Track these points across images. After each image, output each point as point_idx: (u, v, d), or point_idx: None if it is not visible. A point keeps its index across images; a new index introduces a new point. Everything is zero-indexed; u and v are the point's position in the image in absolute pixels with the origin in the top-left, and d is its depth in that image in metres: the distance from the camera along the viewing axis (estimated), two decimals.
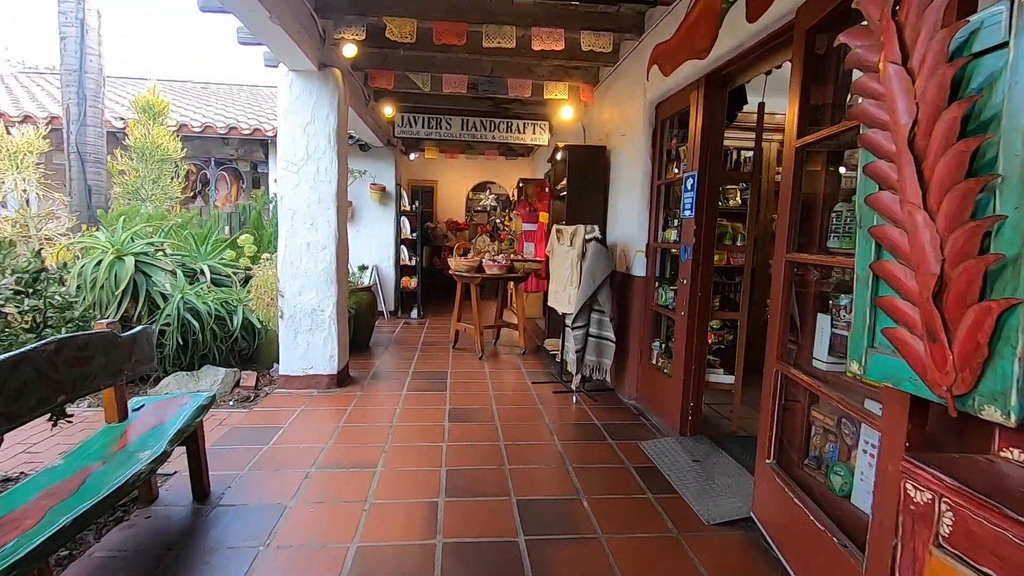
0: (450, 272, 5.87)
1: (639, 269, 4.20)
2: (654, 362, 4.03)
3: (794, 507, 2.16)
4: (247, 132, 7.25)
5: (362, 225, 7.99)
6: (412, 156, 9.70)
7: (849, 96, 2.18)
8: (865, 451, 1.96)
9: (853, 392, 2.03)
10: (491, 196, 11.50)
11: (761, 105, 3.45)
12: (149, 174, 5.75)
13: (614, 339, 4.20)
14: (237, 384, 4.28)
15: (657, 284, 4.01)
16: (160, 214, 5.17)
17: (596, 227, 4.17)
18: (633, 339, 4.30)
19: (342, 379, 4.51)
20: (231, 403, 4.03)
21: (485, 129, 6.75)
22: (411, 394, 4.34)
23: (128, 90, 9.14)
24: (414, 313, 8.09)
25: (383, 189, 7.85)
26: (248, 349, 4.60)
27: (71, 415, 2.54)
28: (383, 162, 7.94)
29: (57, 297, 2.76)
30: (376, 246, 8.04)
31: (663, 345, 3.95)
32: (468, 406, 4.07)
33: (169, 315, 3.91)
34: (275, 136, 5.66)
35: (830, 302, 2.18)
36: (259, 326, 4.37)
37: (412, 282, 8.11)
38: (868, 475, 1.93)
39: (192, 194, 7.49)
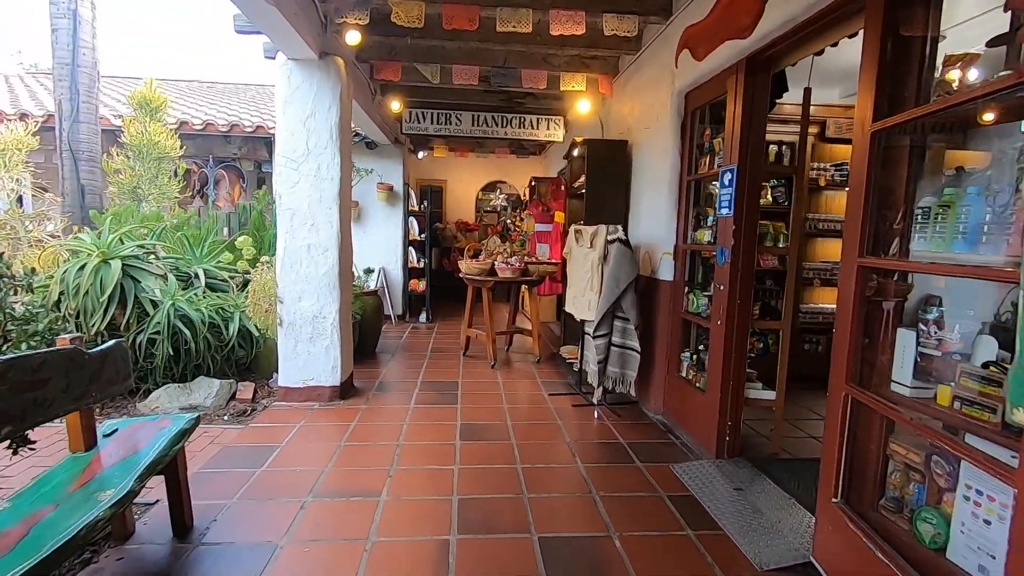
0: (460, 275, 5.55)
1: (666, 273, 3.86)
2: (684, 374, 3.68)
3: (871, 558, 1.82)
4: (250, 129, 6.99)
5: (369, 226, 7.71)
6: (421, 155, 9.41)
7: (939, 70, 1.84)
8: (968, 498, 1.62)
9: (938, 422, 1.69)
10: (502, 196, 11.18)
11: (807, 92, 3.11)
12: (146, 173, 5.49)
13: (639, 349, 3.86)
14: (233, 397, 3.99)
15: (687, 289, 3.67)
16: (156, 214, 4.90)
17: (620, 227, 3.84)
18: (659, 349, 3.96)
19: (346, 391, 4.21)
20: (226, 418, 3.73)
21: (497, 125, 6.44)
22: (419, 407, 4.02)
23: (128, 89, 8.92)
24: (423, 317, 7.78)
25: (390, 188, 7.56)
26: (246, 358, 4.31)
27: (34, 441, 2.24)
28: (390, 160, 7.64)
29: (18, 307, 2.47)
30: (383, 248, 7.75)
31: (694, 356, 3.61)
32: (481, 421, 3.75)
33: (159, 323, 3.62)
34: None
35: (918, 315, 1.83)
36: (257, 334, 4.08)
37: (420, 285, 7.81)
38: (975, 529, 1.59)
39: (192, 194, 7.23)
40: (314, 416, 3.80)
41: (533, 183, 7.72)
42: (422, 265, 7.82)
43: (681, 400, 3.66)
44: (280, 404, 4.01)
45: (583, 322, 4.29)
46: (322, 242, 3.98)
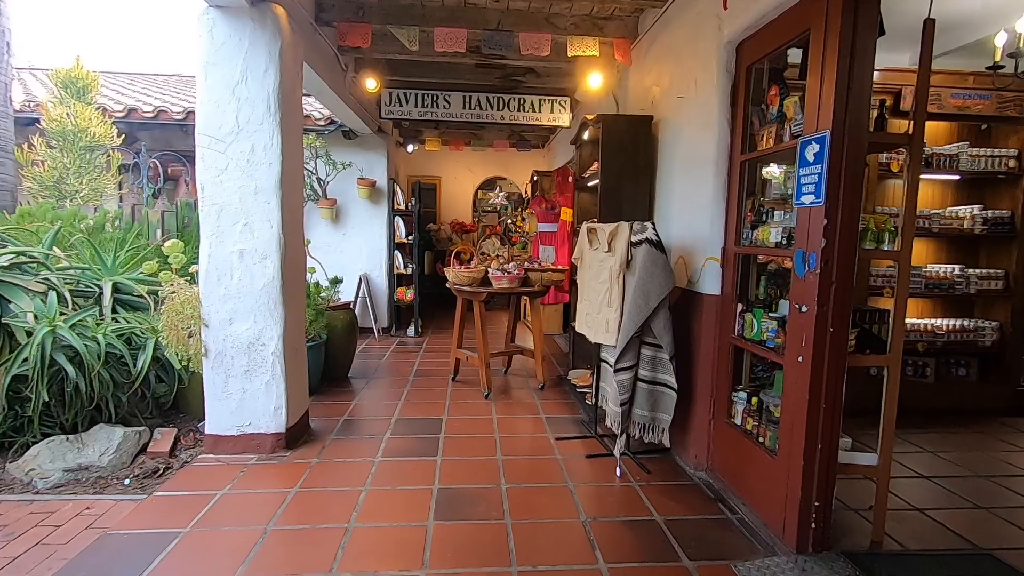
0: (447, 285, 4.63)
1: (710, 284, 2.92)
2: (738, 422, 2.74)
3: None
4: None
5: (349, 227, 6.78)
6: (411, 148, 8.51)
7: None
8: None
9: None
10: (501, 194, 10.24)
11: (928, 24, 2.16)
12: (72, 165, 4.57)
13: (676, 386, 2.92)
14: (143, 450, 3.07)
15: (742, 308, 2.72)
16: (72, 213, 3.98)
17: (649, 225, 2.89)
18: (700, 384, 3.01)
19: (295, 437, 3.28)
20: (127, 481, 2.81)
21: (492, 108, 5.50)
22: (388, 463, 3.09)
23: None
24: (411, 330, 6.85)
25: (373, 184, 6.63)
26: (167, 396, 3.39)
27: None
28: (373, 153, 6.72)
29: None
30: (365, 252, 6.82)
31: (753, 399, 2.66)
32: (466, 485, 2.81)
33: (29, 358, 2.69)
34: None
35: None
36: (179, 366, 3.16)
37: (408, 294, 6.87)
38: None
39: (155, 191, 6.32)
40: (246, 477, 2.87)
41: (535, 177, 6.81)
42: (410, 271, 6.89)
43: (736, 457, 2.71)
44: (206, 458, 3.08)
45: (600, 347, 3.35)
46: (259, 247, 3.05)
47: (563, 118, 5.61)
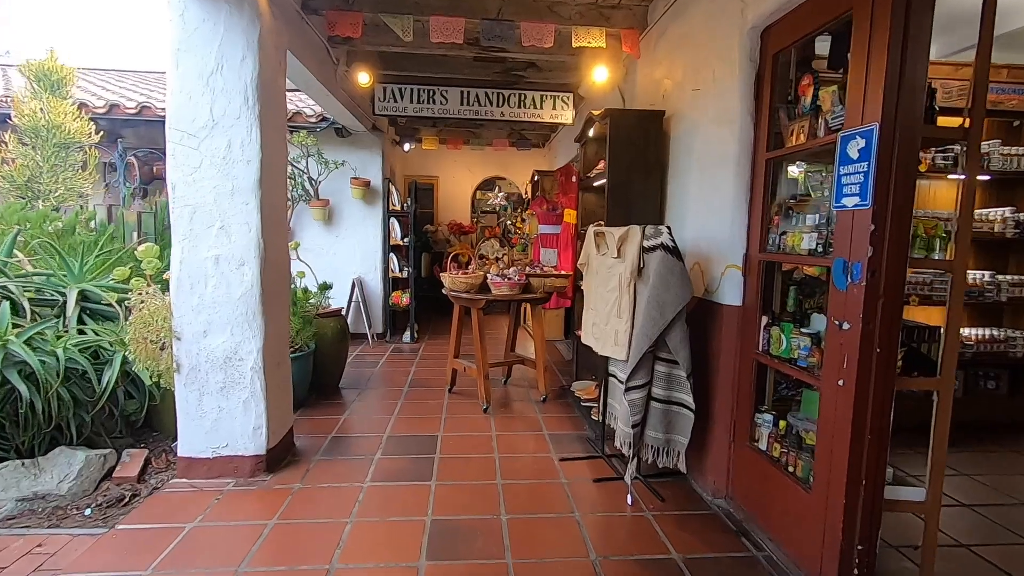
0: (444, 291, 4.37)
1: (730, 294, 2.66)
2: (763, 447, 2.48)
3: None
4: None
5: (342, 229, 6.51)
6: (407, 147, 8.25)
7: None
8: None
9: None
10: (501, 194, 9.98)
11: (989, 3, 1.90)
12: (46, 163, 4.31)
13: (693, 406, 2.66)
14: (109, 475, 2.80)
15: (767, 321, 2.47)
16: (42, 214, 3.72)
17: (664, 228, 2.63)
18: (718, 402, 2.76)
19: (277, 459, 3.01)
20: (88, 511, 2.54)
21: (491, 104, 5.24)
22: (377, 487, 2.82)
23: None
24: (406, 336, 6.59)
25: (367, 184, 6.37)
26: (138, 414, 3.12)
27: None
28: (367, 151, 6.45)
29: None
30: (360, 255, 6.55)
31: (781, 423, 2.40)
32: (462, 516, 2.55)
33: None
34: None
35: None
36: (149, 382, 2.89)
37: (404, 298, 6.61)
38: None
39: (134, 190, 6.05)
40: (221, 506, 2.61)
41: (536, 177, 6.54)
42: (406, 275, 6.62)
43: (760, 486, 2.46)
44: (178, 484, 2.82)
45: (609, 360, 3.09)
46: (236, 252, 2.79)
47: (566, 115, 5.35)
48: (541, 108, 5.27)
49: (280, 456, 3.06)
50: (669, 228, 2.63)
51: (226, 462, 2.88)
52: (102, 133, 4.89)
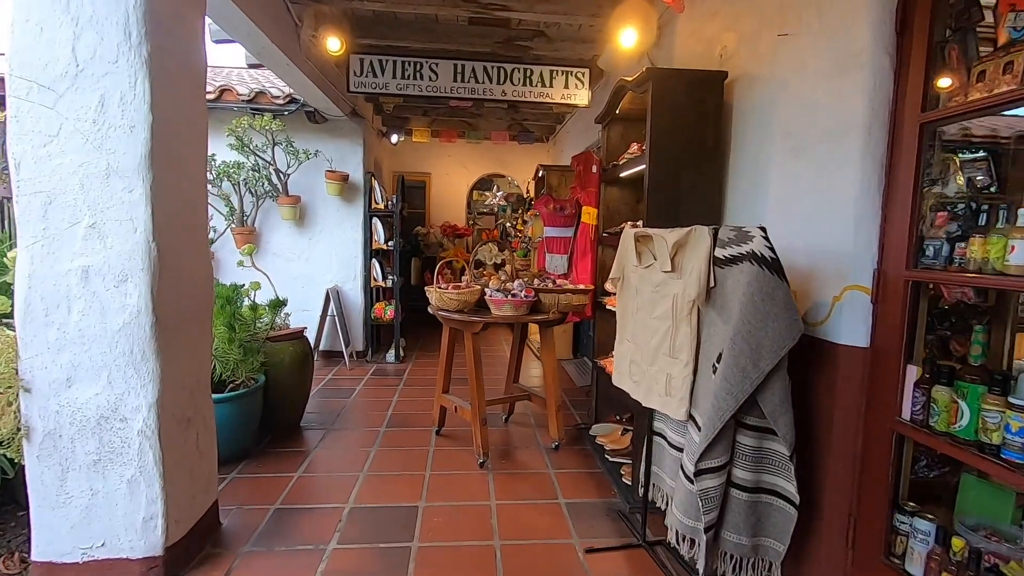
0: (431, 310, 3.47)
1: (848, 329, 1.78)
2: (913, 570, 1.59)
3: None
4: None
5: (316, 231, 5.60)
6: (395, 139, 7.36)
7: None
8: None
9: None
10: (500, 193, 9.10)
11: None
12: None
13: (796, 498, 1.76)
14: None
15: (919, 375, 1.58)
16: None
17: (757, 231, 1.73)
18: (828, 490, 1.86)
19: (184, 556, 2.10)
20: None
21: (490, 80, 4.34)
22: None
23: None
24: (390, 355, 5.67)
25: (345, 179, 5.47)
26: None
27: None
28: (345, 140, 5.55)
29: None
30: (336, 260, 5.65)
31: (942, 532, 1.52)
32: None
33: None
34: None
35: None
36: None
37: (388, 311, 5.69)
38: None
39: None
40: None
41: (541, 172, 5.67)
42: (390, 284, 5.71)
43: None
44: None
45: (655, 413, 2.21)
46: (115, 262, 1.88)
47: (580, 95, 4.46)
48: (551, 86, 4.38)
49: (189, 553, 2.14)
50: (763, 229, 1.73)
51: (104, 569, 1.97)
52: None
